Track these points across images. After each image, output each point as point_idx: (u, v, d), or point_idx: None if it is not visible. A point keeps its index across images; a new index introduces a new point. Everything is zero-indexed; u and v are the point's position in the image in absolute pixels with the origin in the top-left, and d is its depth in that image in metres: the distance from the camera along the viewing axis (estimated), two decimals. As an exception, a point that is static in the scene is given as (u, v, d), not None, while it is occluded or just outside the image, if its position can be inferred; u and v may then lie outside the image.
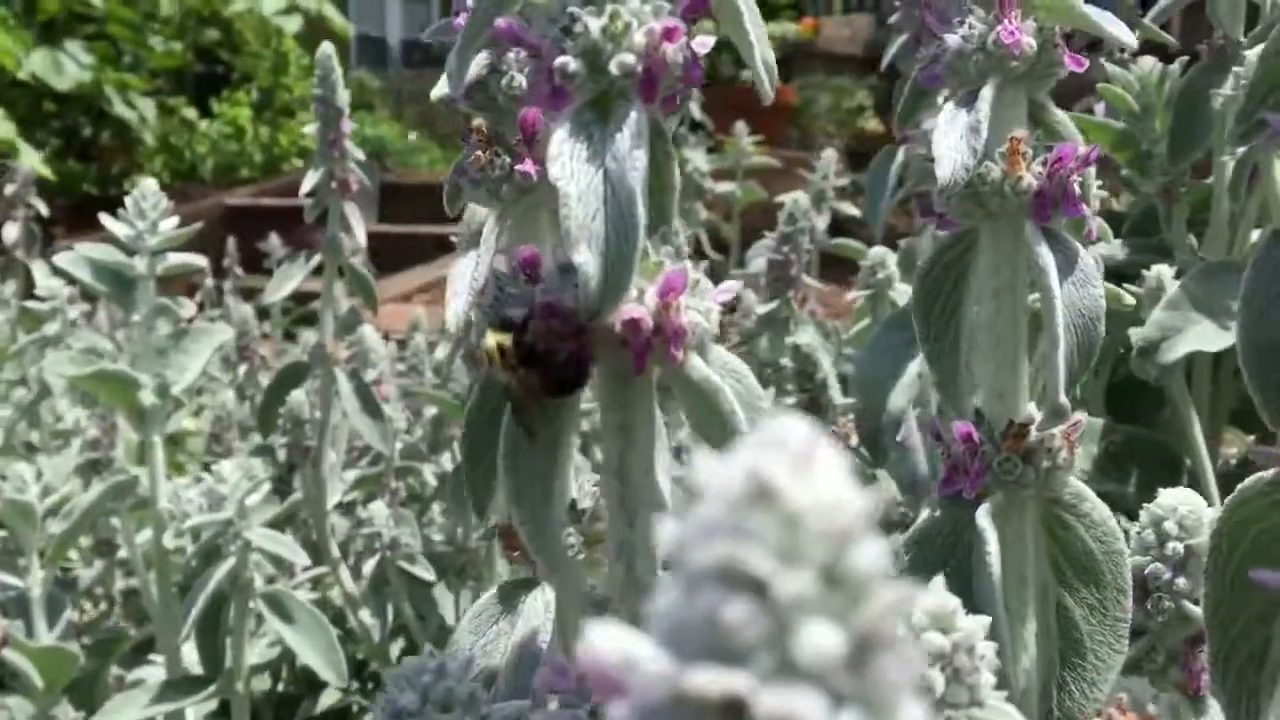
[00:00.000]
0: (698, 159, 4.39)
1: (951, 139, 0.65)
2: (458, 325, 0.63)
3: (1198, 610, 0.77)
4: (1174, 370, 1.49)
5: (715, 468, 0.28)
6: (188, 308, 2.12)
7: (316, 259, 1.98)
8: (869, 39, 9.30)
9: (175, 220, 1.99)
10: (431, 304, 5.59)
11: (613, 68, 0.53)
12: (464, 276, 0.64)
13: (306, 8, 9.49)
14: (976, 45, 0.68)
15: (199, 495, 1.86)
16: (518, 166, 0.67)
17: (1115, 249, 1.78)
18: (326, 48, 1.95)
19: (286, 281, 1.94)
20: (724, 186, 4.50)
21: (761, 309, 2.05)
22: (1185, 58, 1.78)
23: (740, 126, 4.56)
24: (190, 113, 9.57)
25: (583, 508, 0.69)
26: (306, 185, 1.93)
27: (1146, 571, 0.78)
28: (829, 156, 2.81)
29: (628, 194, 0.51)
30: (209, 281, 5.74)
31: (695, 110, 4.47)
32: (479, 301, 0.64)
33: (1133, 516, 1.67)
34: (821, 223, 2.80)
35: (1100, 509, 0.72)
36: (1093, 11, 0.67)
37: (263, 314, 5.67)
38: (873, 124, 8.01)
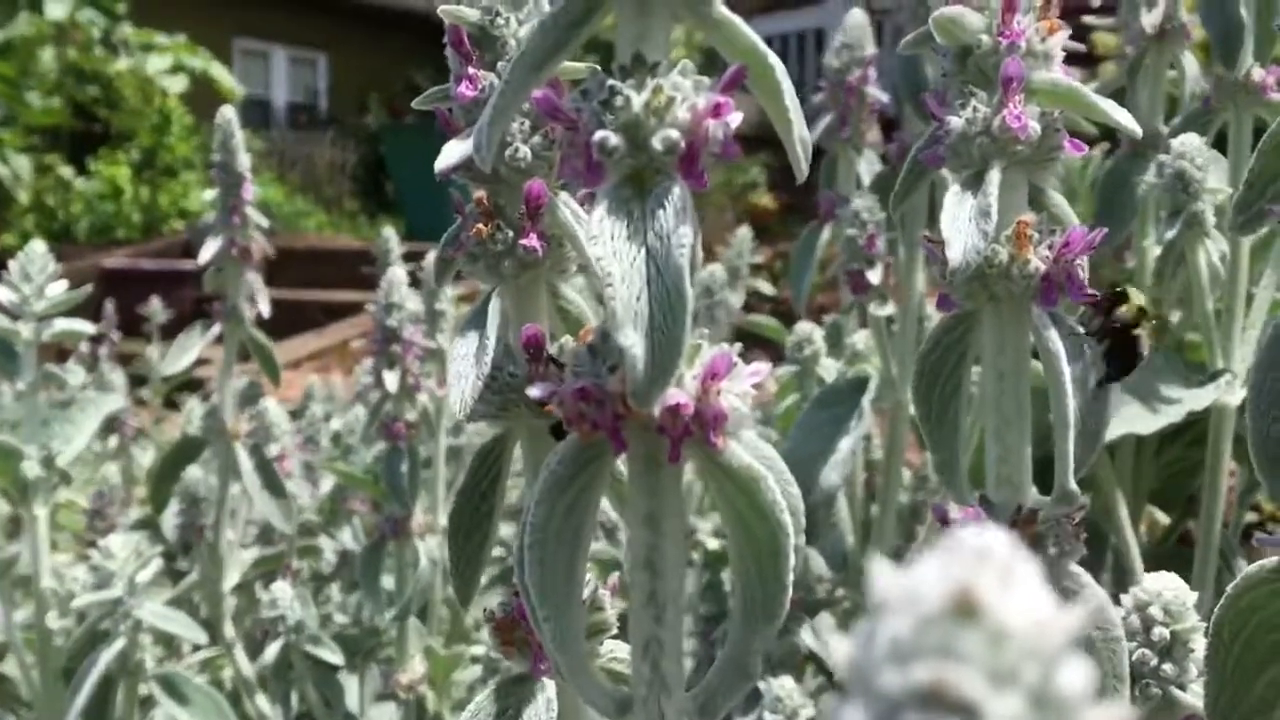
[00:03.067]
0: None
1: (961, 222, 0.65)
2: (464, 412, 0.60)
3: (1185, 696, 0.77)
4: (1100, 451, 1.52)
5: (900, 580, 0.26)
6: (77, 375, 2.02)
7: (216, 329, 1.91)
8: (759, 118, 9.46)
9: (64, 284, 1.90)
10: (322, 371, 5.46)
11: (655, 143, 0.51)
12: (467, 358, 0.61)
13: (193, 68, 9.31)
14: (980, 129, 0.68)
15: (85, 573, 1.75)
16: (521, 241, 0.64)
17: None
18: (227, 111, 1.90)
19: (184, 353, 1.86)
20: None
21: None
22: (1107, 144, 1.85)
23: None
24: (66, 171, 9.26)
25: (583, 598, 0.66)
26: (206, 253, 1.86)
27: (1133, 658, 0.77)
28: (743, 235, 2.84)
29: (674, 273, 0.49)
30: (83, 346, 5.52)
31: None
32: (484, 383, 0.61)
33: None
34: (736, 300, 2.81)
35: (1100, 595, 0.71)
36: (1101, 102, 0.67)
37: (140, 380, 5.46)
38: (765, 199, 8.16)
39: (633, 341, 0.48)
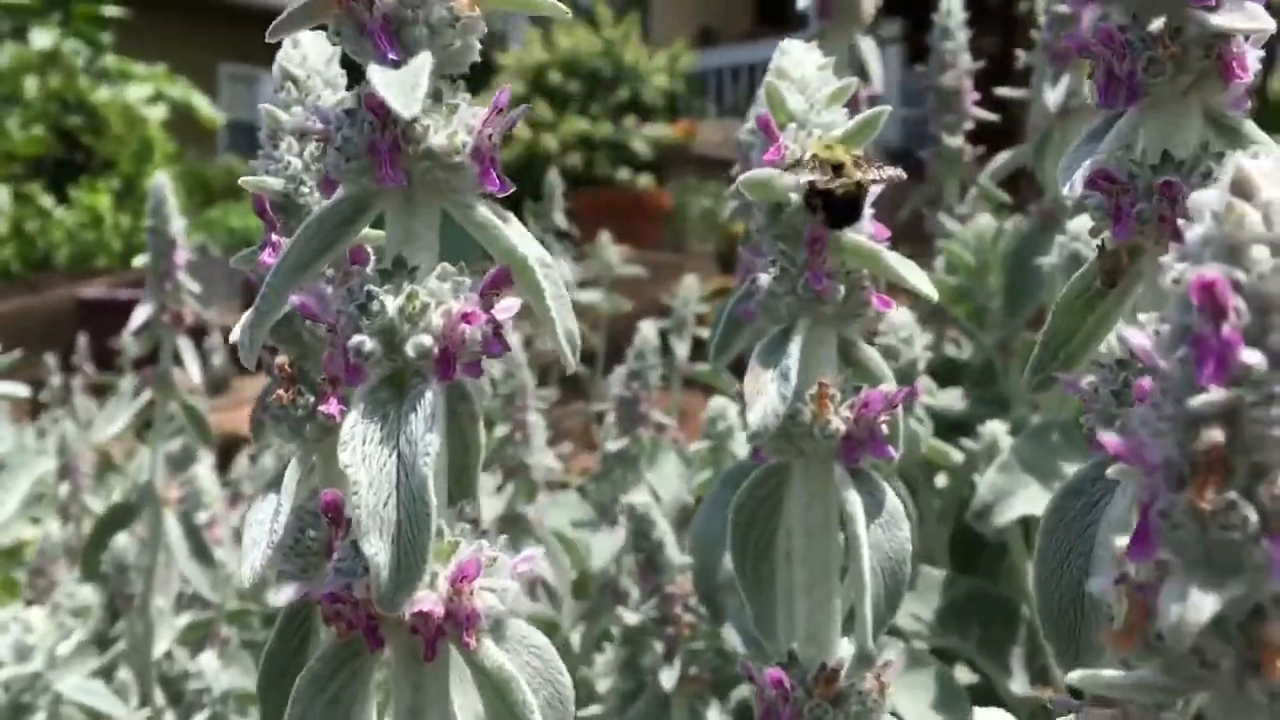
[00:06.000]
0: (563, 269, 4.39)
1: (763, 384, 0.66)
2: (251, 582, 0.61)
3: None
4: (1012, 526, 1.54)
5: None
6: (5, 440, 2.03)
7: (147, 394, 1.92)
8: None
9: (-2, 348, 1.91)
10: (291, 408, 5.44)
11: (409, 349, 0.52)
12: (263, 524, 0.62)
13: (172, 97, 9.35)
14: (787, 288, 0.70)
15: (6, 647, 1.75)
16: (321, 407, 0.65)
17: (955, 399, 1.84)
18: (160, 178, 1.91)
19: (113, 422, 1.88)
20: (591, 295, 4.51)
21: (612, 446, 2.05)
22: (1021, 214, 1.88)
23: (605, 238, 4.61)
24: (46, 200, 9.26)
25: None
26: (136, 320, 1.87)
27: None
28: (689, 284, 2.86)
29: (420, 481, 0.50)
30: (55, 379, 5.51)
31: (561, 219, 4.49)
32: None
33: (975, 669, 1.69)
34: (683, 349, 2.83)
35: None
36: (898, 265, 0.69)
37: (114, 408, 5.44)
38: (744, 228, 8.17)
39: (377, 549, 0.49)
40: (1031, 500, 1.46)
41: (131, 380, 5.74)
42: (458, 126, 0.54)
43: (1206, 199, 0.41)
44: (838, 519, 0.71)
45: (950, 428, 1.82)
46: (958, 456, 1.58)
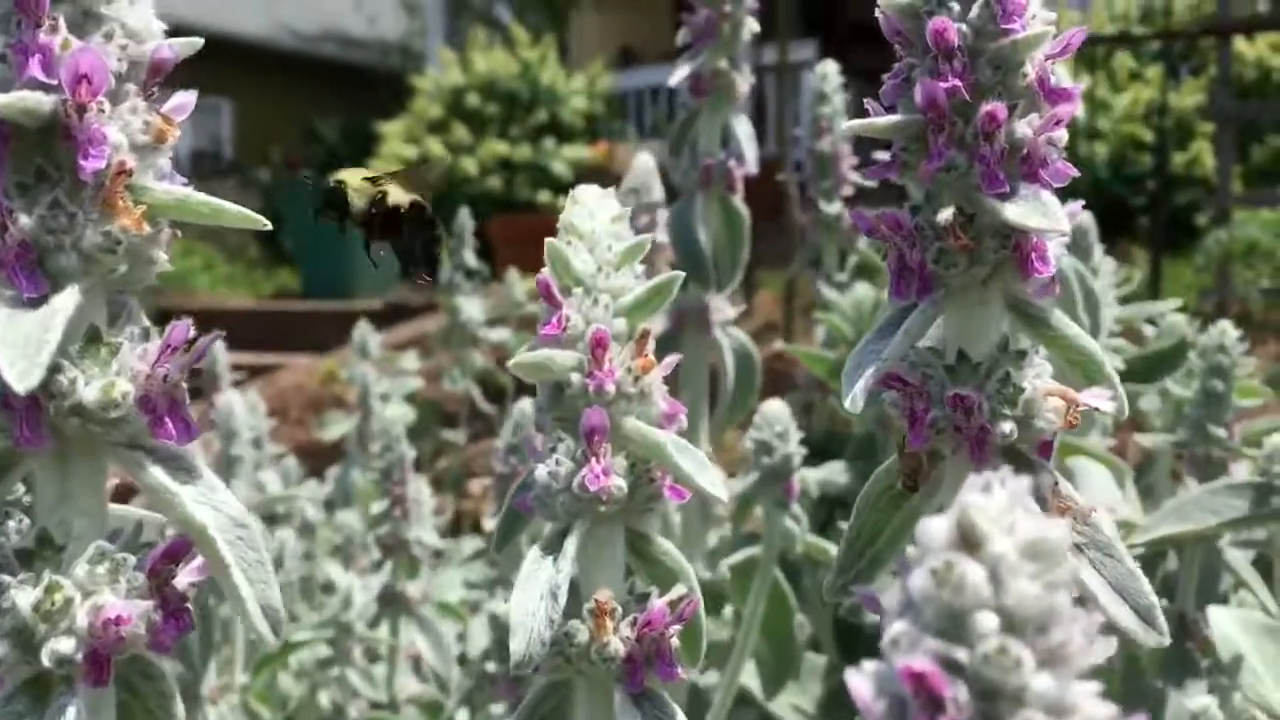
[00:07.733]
0: (471, 308, 4.30)
1: (531, 603, 0.58)
2: None
3: None
4: (891, 615, 1.48)
5: None
6: None
7: None
8: (662, 166, 9.42)
9: None
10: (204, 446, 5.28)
11: (45, 657, 0.43)
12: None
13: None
14: (562, 485, 0.62)
15: None
16: None
17: (837, 473, 1.78)
18: None
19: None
20: (500, 333, 4.42)
21: (490, 524, 1.96)
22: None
23: (512, 274, 4.52)
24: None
25: None
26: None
27: None
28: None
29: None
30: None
31: (471, 257, 4.39)
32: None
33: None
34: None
35: None
36: (683, 461, 0.62)
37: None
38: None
39: None
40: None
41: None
42: (116, 374, 0.46)
43: (931, 536, 0.34)
44: (627, 744, 0.64)
45: (833, 503, 1.77)
46: (835, 551, 1.52)
